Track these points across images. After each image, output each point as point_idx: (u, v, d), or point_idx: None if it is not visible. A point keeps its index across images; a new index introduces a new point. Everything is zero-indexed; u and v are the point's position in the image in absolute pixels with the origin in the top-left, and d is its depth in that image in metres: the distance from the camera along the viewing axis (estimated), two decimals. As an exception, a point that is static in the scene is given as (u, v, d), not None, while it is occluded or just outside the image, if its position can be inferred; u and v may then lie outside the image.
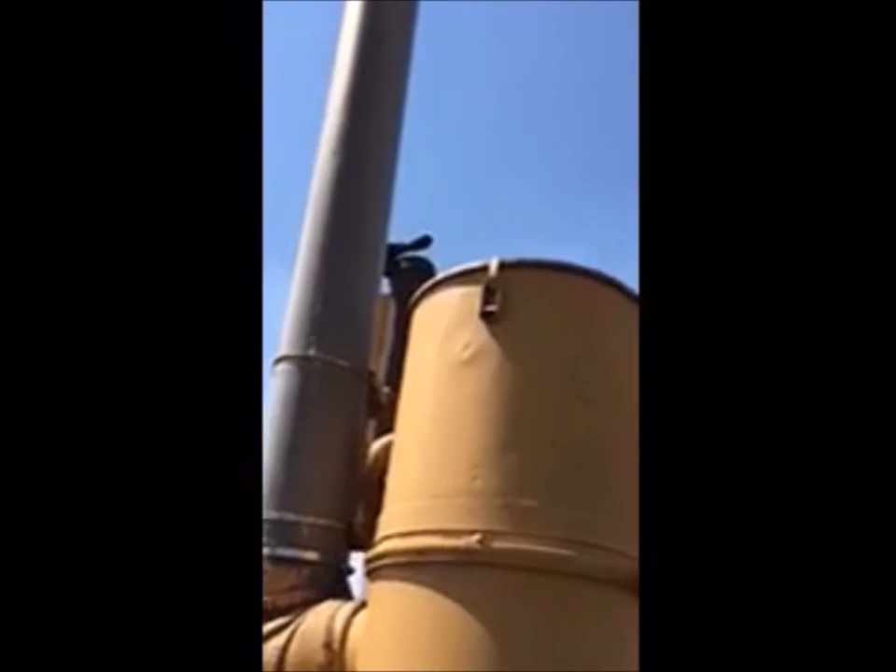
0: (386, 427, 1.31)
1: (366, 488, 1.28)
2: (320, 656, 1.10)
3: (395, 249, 1.88)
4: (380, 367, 1.64)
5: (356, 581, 1.30)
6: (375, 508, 1.17)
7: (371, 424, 1.44)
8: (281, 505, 1.22)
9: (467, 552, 0.95)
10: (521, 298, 1.10)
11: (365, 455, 1.33)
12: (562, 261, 1.11)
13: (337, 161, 1.45)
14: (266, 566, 1.18)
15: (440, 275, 1.20)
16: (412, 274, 1.76)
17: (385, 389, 1.45)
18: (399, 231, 1.91)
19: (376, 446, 1.32)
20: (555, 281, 1.11)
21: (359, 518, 1.29)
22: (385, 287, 1.82)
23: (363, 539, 1.23)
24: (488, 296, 1.10)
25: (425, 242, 1.95)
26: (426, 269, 1.81)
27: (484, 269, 1.12)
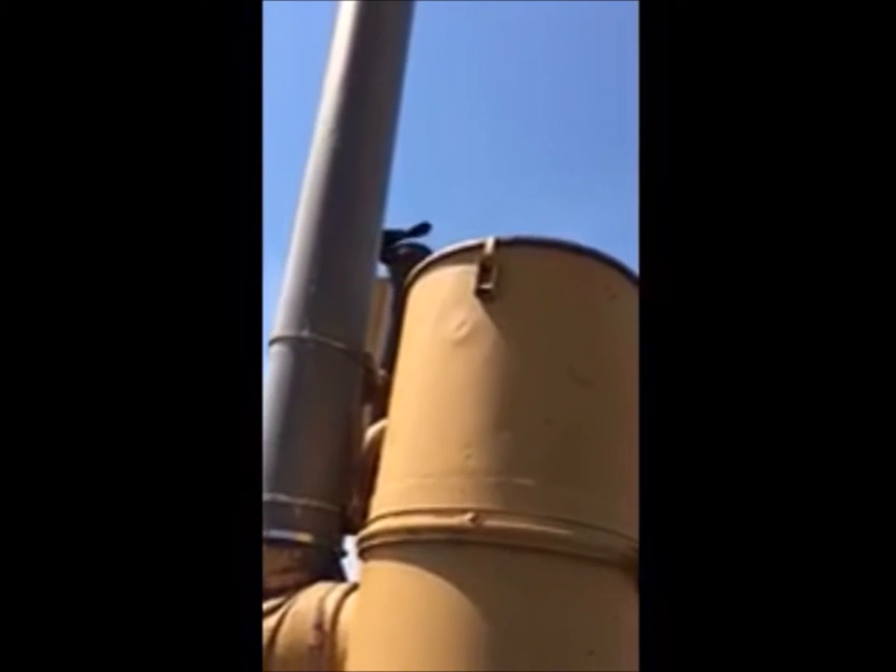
0: (382, 411, 1.29)
1: (361, 472, 1.27)
2: (311, 637, 1.08)
3: (393, 236, 1.86)
4: (377, 351, 1.63)
5: (349, 565, 1.29)
6: (369, 492, 1.15)
7: (368, 409, 1.43)
8: (273, 486, 1.20)
9: (459, 530, 0.94)
10: (517, 276, 1.08)
11: (360, 438, 1.32)
12: (558, 239, 1.10)
13: (334, 139, 1.44)
14: (258, 547, 1.16)
15: (435, 254, 1.19)
16: (409, 260, 1.74)
17: (382, 372, 1.44)
18: (400, 222, 1.91)
19: (372, 430, 1.31)
20: (552, 259, 1.10)
21: (354, 502, 1.27)
22: (383, 272, 1.80)
23: (357, 523, 1.21)
24: (484, 274, 1.09)
25: (423, 229, 1.93)
26: (424, 255, 1.79)
27: (480, 247, 1.11)
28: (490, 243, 1.10)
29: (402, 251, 1.85)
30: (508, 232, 1.10)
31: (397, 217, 1.84)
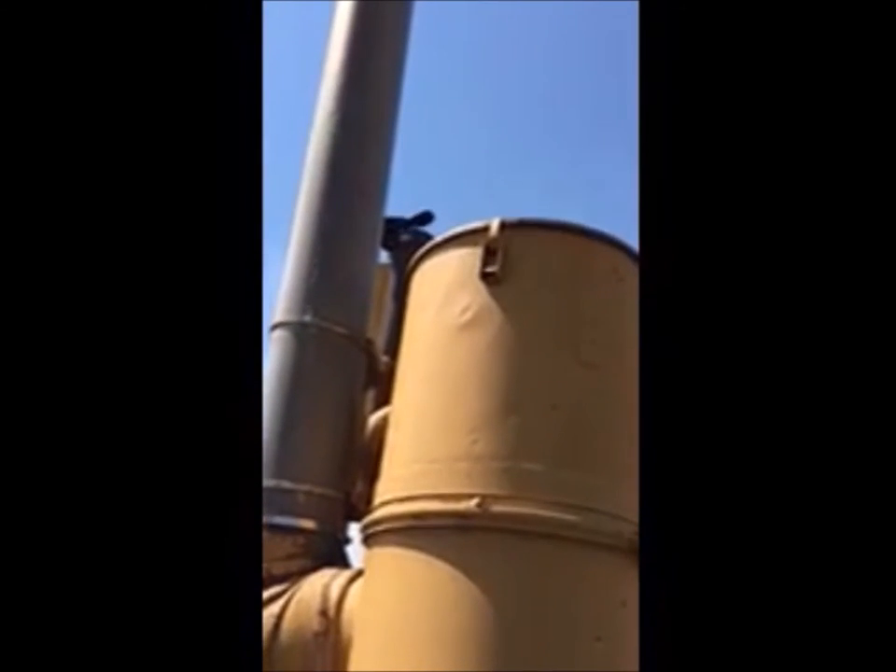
0: (386, 397, 1.28)
1: (364, 459, 1.26)
2: (316, 624, 1.08)
3: (395, 223, 1.85)
4: (380, 337, 1.62)
5: (353, 553, 1.29)
6: (373, 478, 1.14)
7: (371, 395, 1.42)
8: (277, 473, 1.20)
9: (465, 516, 0.93)
10: (522, 259, 1.07)
11: (364, 424, 1.31)
12: (564, 221, 1.09)
13: (333, 123, 1.42)
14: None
15: (439, 237, 1.17)
16: (412, 246, 1.72)
17: (385, 359, 1.42)
18: (402, 214, 1.89)
19: (375, 417, 1.30)
20: (558, 241, 1.08)
21: (358, 488, 1.26)
22: (385, 259, 1.79)
23: (361, 510, 1.21)
24: (488, 257, 1.07)
25: (426, 218, 1.92)
26: (426, 241, 1.77)
27: (485, 229, 1.09)
28: (495, 225, 1.09)
29: (404, 237, 1.84)
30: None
31: (399, 210, 1.83)
